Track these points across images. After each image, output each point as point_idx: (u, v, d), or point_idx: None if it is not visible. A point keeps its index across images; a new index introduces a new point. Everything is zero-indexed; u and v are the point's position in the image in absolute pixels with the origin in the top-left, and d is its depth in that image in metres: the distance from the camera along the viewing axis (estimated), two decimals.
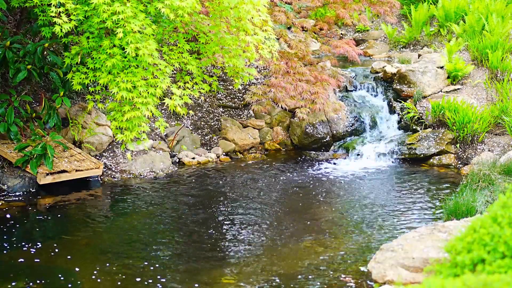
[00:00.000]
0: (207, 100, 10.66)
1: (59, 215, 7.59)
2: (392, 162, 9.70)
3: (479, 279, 3.34)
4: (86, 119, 9.09)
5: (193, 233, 7.16)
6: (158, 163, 9.16)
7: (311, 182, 8.87)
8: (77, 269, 6.15)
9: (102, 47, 6.48)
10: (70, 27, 6.26)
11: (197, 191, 8.48)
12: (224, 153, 9.87)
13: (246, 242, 6.93)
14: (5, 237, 6.83)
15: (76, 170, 8.35)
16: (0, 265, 6.24)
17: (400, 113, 10.31)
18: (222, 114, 10.51)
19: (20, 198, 7.97)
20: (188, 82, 7.12)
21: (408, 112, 10.14)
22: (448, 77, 10.59)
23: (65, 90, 8.43)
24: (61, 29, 6.23)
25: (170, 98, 6.63)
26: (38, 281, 5.89)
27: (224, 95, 10.85)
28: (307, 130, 10.08)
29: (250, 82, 10.73)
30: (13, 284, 5.82)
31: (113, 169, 8.95)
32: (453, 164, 9.46)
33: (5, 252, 6.50)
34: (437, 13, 12.12)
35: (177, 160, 9.50)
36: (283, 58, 9.67)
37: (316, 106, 9.52)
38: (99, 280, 5.92)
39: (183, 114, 9.01)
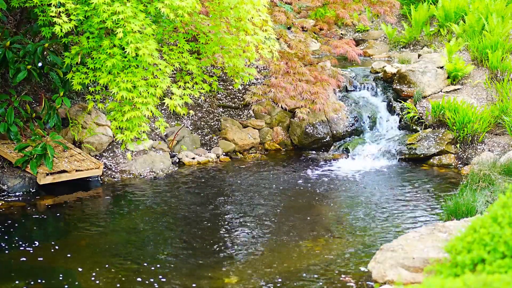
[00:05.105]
0: (207, 100, 10.66)
1: (59, 215, 7.59)
2: (392, 162, 9.70)
3: (479, 279, 3.34)
4: (86, 119, 9.09)
5: (194, 233, 7.16)
6: (158, 163, 9.16)
7: (311, 182, 8.87)
8: (77, 269, 6.15)
9: (102, 47, 6.48)
10: (70, 27, 6.25)
11: (197, 191, 8.48)
12: (224, 153, 9.87)
13: (247, 241, 6.93)
14: (5, 237, 6.83)
15: (76, 170, 8.35)
16: (0, 265, 6.24)
17: (400, 113, 10.31)
18: (222, 114, 10.51)
19: (20, 198, 7.97)
20: (188, 82, 7.12)
21: (408, 112, 10.15)
22: (448, 77, 10.60)
23: (65, 90, 8.43)
24: (61, 29, 6.23)
25: (170, 98, 6.63)
26: (38, 281, 5.89)
27: (224, 95, 10.85)
28: (307, 130, 10.08)
29: (250, 82, 10.73)
30: (13, 284, 5.82)
31: (113, 169, 8.95)
32: (453, 164, 9.46)
33: (5, 252, 6.50)
34: (437, 13, 12.12)
35: (177, 160, 9.50)
36: (283, 58, 9.67)
37: (316, 106, 9.52)
38: (99, 280, 5.92)
39: (183, 114, 9.01)
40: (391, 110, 10.46)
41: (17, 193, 8.06)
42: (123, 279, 5.95)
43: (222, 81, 10.97)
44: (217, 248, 6.73)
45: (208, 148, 9.95)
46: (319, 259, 6.43)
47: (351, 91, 10.74)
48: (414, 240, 5.31)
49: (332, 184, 8.84)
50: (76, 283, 5.91)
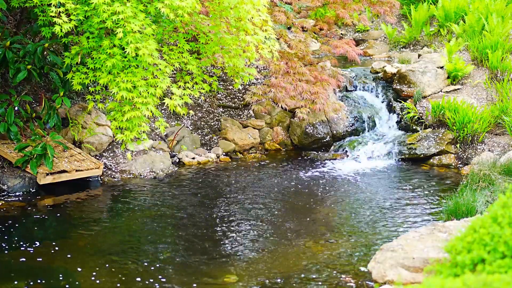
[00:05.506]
0: (207, 100, 10.66)
1: (59, 215, 7.59)
2: (392, 162, 9.70)
3: (479, 279, 3.34)
4: (86, 119, 9.09)
5: (194, 233, 7.16)
6: (158, 163, 9.16)
7: (311, 182, 8.87)
8: (77, 269, 6.15)
9: (102, 47, 6.48)
10: (70, 27, 6.25)
11: (197, 191, 8.48)
12: (224, 153, 9.87)
13: (246, 241, 6.93)
14: (5, 237, 6.83)
15: (76, 170, 8.35)
16: (0, 265, 6.24)
17: (400, 113, 10.31)
18: (222, 114, 10.52)
19: (20, 198, 7.97)
20: (188, 82, 7.12)
21: (408, 112, 10.15)
22: (448, 77, 10.60)
23: (65, 90, 8.43)
24: (61, 29, 6.23)
25: (170, 98, 6.63)
26: (38, 281, 5.89)
27: (224, 95, 10.85)
28: (307, 130, 10.08)
29: (250, 82, 10.73)
30: (13, 284, 5.82)
31: (113, 169, 8.95)
32: (453, 164, 9.46)
33: (5, 252, 6.50)
34: (437, 13, 12.13)
35: (177, 160, 9.50)
36: (283, 58, 9.67)
37: (316, 106, 9.52)
38: (99, 280, 5.93)
39: (183, 114, 9.01)
40: (391, 110, 10.46)
41: (17, 193, 8.06)
42: (123, 279, 5.95)
43: (222, 81, 10.97)
44: (217, 248, 6.73)
45: (208, 148, 9.95)
46: (319, 259, 6.43)
47: (351, 91, 10.74)
48: (414, 240, 5.31)
49: (332, 184, 8.84)
50: (76, 283, 5.91)
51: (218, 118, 10.43)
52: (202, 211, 7.79)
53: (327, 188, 8.69)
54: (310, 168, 9.44)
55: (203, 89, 7.20)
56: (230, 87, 10.94)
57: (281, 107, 9.68)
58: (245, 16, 6.88)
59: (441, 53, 11.11)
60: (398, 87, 10.52)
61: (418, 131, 10.01)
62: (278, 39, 9.65)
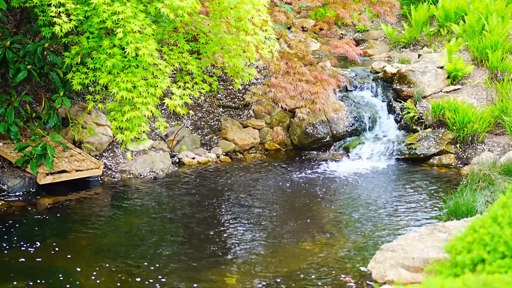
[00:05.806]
0: (207, 100, 10.66)
1: (59, 215, 7.59)
2: (392, 162, 9.70)
3: (479, 279, 3.34)
4: (86, 119, 9.09)
5: (194, 233, 7.16)
6: (158, 163, 9.16)
7: (311, 182, 8.87)
8: (77, 269, 6.15)
9: (102, 47, 6.48)
10: (70, 27, 6.26)
11: (197, 191, 8.48)
12: (224, 153, 9.87)
13: (246, 242, 6.93)
14: (5, 237, 6.83)
15: (76, 170, 8.35)
16: (0, 265, 6.24)
17: (400, 113, 10.31)
18: (222, 114, 10.51)
19: (20, 198, 7.97)
20: (188, 82, 7.12)
21: (408, 112, 10.15)
22: (448, 77, 10.60)
23: (65, 90, 8.43)
24: (61, 29, 6.23)
25: (170, 98, 6.63)
26: (38, 281, 5.89)
27: (224, 95, 10.85)
28: (307, 130, 10.08)
29: (250, 82, 10.73)
30: (13, 284, 5.82)
31: (113, 169, 8.95)
32: (453, 164, 9.46)
33: (5, 252, 6.50)
34: (437, 13, 12.13)
35: (177, 160, 9.50)
36: (283, 58, 9.68)
37: (316, 106, 9.53)
38: (99, 280, 5.93)
39: (183, 114, 9.01)
40: (391, 110, 10.46)
41: (17, 193, 8.06)
42: (123, 279, 5.95)
43: (222, 81, 10.97)
44: (217, 249, 6.73)
45: (208, 148, 9.95)
46: (319, 260, 6.43)
47: (351, 91, 10.74)
48: (414, 240, 5.32)
49: (332, 184, 8.83)
50: (77, 283, 5.91)
51: (218, 118, 10.43)
52: (202, 211, 7.79)
53: (327, 188, 8.69)
54: (310, 168, 9.44)
55: (203, 89, 7.20)
56: (230, 87, 10.94)
57: (281, 107, 9.68)
58: (245, 16, 6.88)
59: (441, 53, 11.12)
60: (398, 87, 10.52)
61: (418, 131, 10.01)
62: (278, 39, 9.65)
